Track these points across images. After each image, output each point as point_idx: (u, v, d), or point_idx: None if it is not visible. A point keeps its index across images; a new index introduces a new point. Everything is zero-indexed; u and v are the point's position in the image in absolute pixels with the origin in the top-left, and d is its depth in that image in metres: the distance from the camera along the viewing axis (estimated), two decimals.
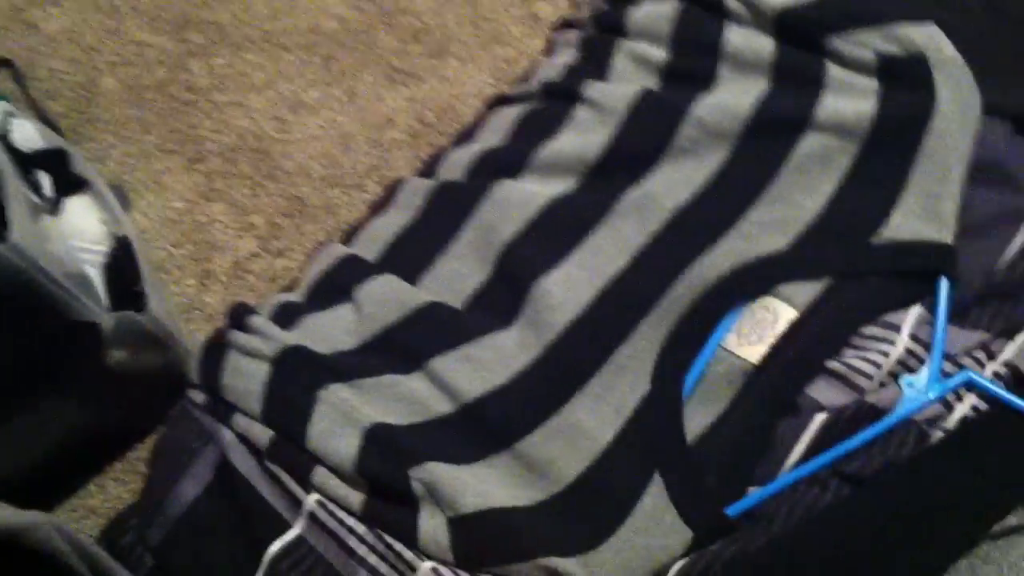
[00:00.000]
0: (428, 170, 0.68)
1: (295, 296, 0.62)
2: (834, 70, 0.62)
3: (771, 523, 0.49)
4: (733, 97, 0.62)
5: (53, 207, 0.58)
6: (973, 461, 0.51)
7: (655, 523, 0.50)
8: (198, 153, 0.73)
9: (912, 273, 0.56)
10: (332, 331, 0.58)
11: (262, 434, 0.53)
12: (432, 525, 0.50)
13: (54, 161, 0.61)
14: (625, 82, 0.66)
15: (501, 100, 0.70)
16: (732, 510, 0.50)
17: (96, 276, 0.57)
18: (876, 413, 0.52)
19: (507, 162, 0.64)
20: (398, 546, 0.49)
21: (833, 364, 0.54)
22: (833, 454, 0.51)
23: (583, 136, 0.63)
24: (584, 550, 0.49)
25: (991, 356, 0.54)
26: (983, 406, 0.52)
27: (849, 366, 0.53)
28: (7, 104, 0.62)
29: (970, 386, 0.52)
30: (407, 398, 0.54)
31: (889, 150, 0.59)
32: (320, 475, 0.52)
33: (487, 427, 0.53)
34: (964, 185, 0.58)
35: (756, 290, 0.56)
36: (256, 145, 0.74)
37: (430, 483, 0.50)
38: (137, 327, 0.55)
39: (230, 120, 0.75)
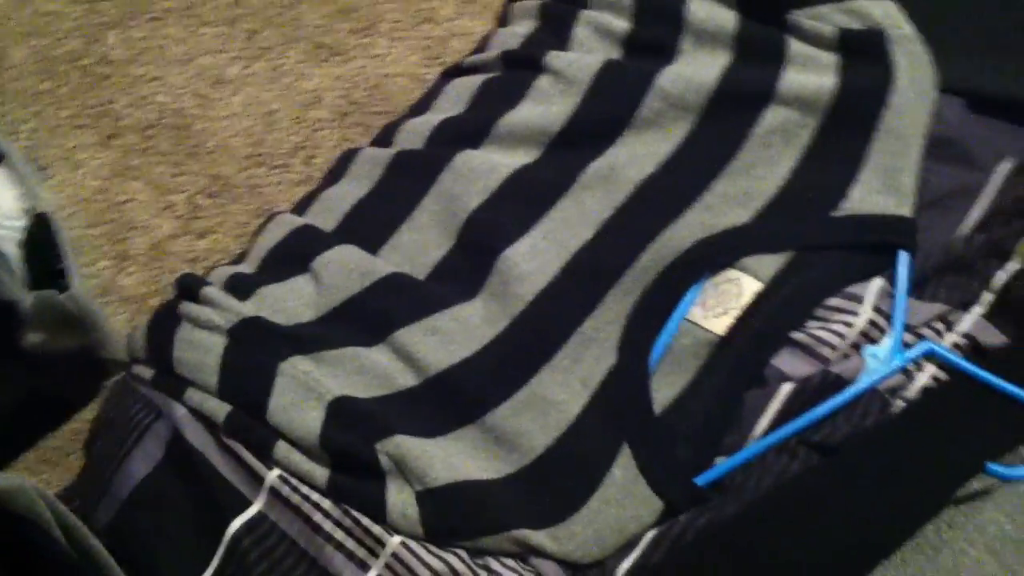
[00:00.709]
0: (382, 140, 0.66)
1: (245, 268, 0.59)
2: (795, 44, 0.63)
3: (741, 492, 0.49)
4: (697, 69, 0.62)
5: None
6: (934, 429, 0.52)
7: (625, 494, 0.50)
8: (114, 129, 0.70)
9: (873, 246, 0.57)
10: (290, 303, 0.56)
11: (218, 408, 0.51)
12: (400, 499, 0.48)
13: None
14: (587, 52, 0.65)
15: (457, 70, 0.69)
16: (702, 479, 0.50)
17: (13, 253, 0.54)
18: (841, 383, 0.52)
19: (468, 131, 0.62)
20: (365, 521, 0.48)
21: (798, 335, 0.54)
22: (800, 423, 0.51)
23: (546, 106, 0.62)
24: (555, 522, 0.49)
25: (949, 327, 0.54)
26: (943, 376, 0.53)
27: (814, 337, 0.54)
28: None
29: (930, 356, 0.53)
30: (371, 371, 0.53)
31: (849, 124, 0.60)
32: (282, 449, 0.50)
33: (454, 400, 0.52)
34: (922, 160, 0.59)
35: (720, 263, 0.56)
36: (176, 121, 0.71)
37: (398, 456, 0.49)
38: (58, 307, 0.53)
39: (148, 95, 0.72)
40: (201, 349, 0.53)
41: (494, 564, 0.48)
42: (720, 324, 0.55)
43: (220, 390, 0.52)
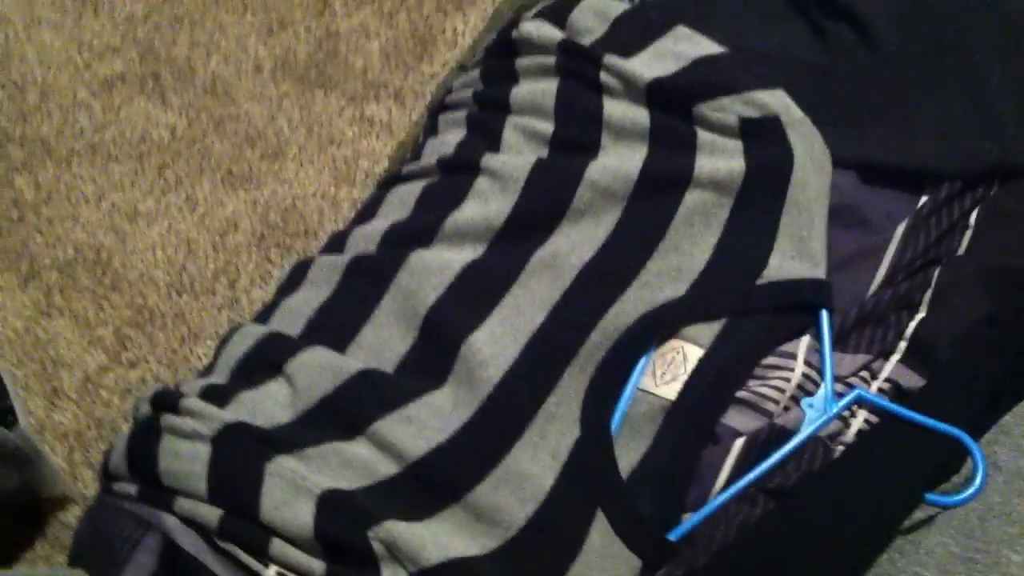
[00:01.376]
0: (333, 247, 0.69)
1: (216, 379, 0.61)
2: (703, 134, 0.69)
3: (711, 542, 0.53)
4: (620, 161, 0.68)
5: None
6: (872, 467, 0.57)
7: (604, 556, 0.53)
8: (32, 269, 0.71)
9: (797, 307, 0.62)
10: (267, 407, 0.58)
11: (210, 513, 0.52)
12: None
13: None
14: (517, 153, 0.70)
15: (395, 179, 0.73)
16: (674, 535, 0.54)
17: None
18: (786, 434, 0.57)
19: (416, 233, 0.66)
20: None
21: (742, 393, 0.59)
22: (755, 474, 0.56)
23: (487, 204, 0.67)
24: None
25: (874, 375, 0.60)
26: (874, 419, 0.59)
27: (757, 394, 0.59)
28: None
29: (861, 402, 0.59)
30: (354, 463, 0.55)
31: (760, 201, 0.66)
32: (277, 546, 0.51)
33: (435, 483, 0.55)
34: (827, 227, 0.65)
35: (664, 334, 0.61)
36: (95, 257, 0.72)
37: (389, 541, 0.51)
38: (10, 443, 0.54)
39: (63, 233, 0.73)
40: (188, 458, 0.54)
41: None
42: (671, 390, 0.60)
43: (211, 496, 0.53)
